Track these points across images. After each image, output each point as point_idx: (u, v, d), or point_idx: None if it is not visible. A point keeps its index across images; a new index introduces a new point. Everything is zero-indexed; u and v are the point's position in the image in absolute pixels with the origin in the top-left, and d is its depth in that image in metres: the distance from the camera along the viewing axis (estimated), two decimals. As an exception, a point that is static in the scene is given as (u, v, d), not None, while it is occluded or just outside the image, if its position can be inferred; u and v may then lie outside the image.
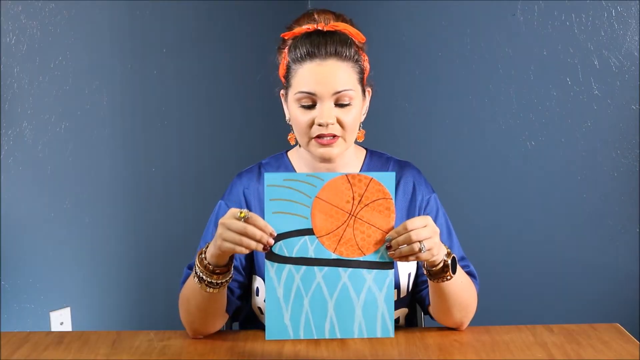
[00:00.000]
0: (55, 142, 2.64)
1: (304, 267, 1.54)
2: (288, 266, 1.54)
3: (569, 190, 3.00)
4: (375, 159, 1.83)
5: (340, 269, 1.55)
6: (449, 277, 1.61)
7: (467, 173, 3.24)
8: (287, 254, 1.54)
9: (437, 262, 1.58)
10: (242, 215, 1.50)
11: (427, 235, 1.52)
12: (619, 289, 2.92)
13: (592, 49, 2.90)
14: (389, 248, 1.54)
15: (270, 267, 1.54)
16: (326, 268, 1.55)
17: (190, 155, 3.16)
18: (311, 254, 1.54)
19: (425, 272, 1.63)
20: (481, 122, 3.19)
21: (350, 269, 1.55)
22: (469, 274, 1.75)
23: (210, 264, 1.57)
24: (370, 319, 1.56)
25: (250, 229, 1.50)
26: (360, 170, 1.79)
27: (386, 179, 1.55)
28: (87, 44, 2.72)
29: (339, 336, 1.56)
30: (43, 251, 2.63)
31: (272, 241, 1.52)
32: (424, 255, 1.52)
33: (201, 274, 1.58)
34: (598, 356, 1.56)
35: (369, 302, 1.55)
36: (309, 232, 1.54)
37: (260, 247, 1.51)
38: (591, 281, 2.98)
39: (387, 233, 1.54)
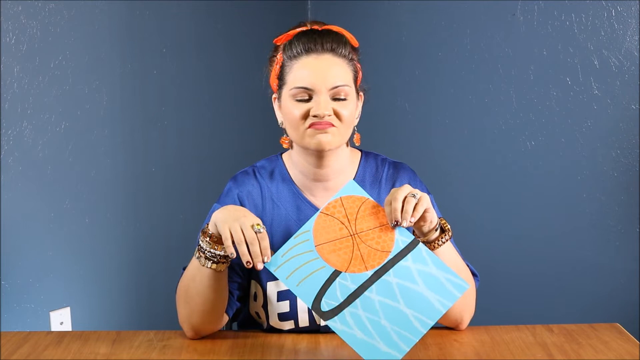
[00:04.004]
0: (55, 142, 2.63)
1: (358, 301, 1.52)
2: (345, 311, 1.51)
3: (569, 190, 3.00)
4: (371, 161, 1.82)
5: (383, 277, 1.53)
6: (450, 234, 1.63)
7: (467, 173, 3.24)
8: (336, 304, 1.52)
9: (434, 225, 1.60)
10: (258, 227, 1.52)
11: (408, 189, 1.55)
12: (619, 289, 2.92)
13: (592, 49, 2.90)
14: (397, 226, 1.55)
15: (335, 323, 1.50)
16: (374, 285, 1.53)
17: (190, 155, 3.16)
18: (352, 286, 1.53)
19: (425, 241, 1.62)
20: (481, 122, 3.19)
21: (391, 270, 1.54)
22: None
23: (209, 229, 1.58)
24: (441, 291, 1.52)
25: (255, 246, 1.51)
26: (355, 177, 1.78)
27: (350, 188, 1.60)
28: (87, 44, 2.72)
29: (432, 323, 1.50)
30: (43, 251, 2.62)
31: (261, 266, 1.52)
32: (424, 202, 1.54)
33: (202, 243, 1.59)
34: (598, 356, 1.56)
35: (427, 280, 1.53)
36: (336, 274, 1.54)
37: (244, 262, 1.51)
38: (591, 281, 2.97)
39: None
